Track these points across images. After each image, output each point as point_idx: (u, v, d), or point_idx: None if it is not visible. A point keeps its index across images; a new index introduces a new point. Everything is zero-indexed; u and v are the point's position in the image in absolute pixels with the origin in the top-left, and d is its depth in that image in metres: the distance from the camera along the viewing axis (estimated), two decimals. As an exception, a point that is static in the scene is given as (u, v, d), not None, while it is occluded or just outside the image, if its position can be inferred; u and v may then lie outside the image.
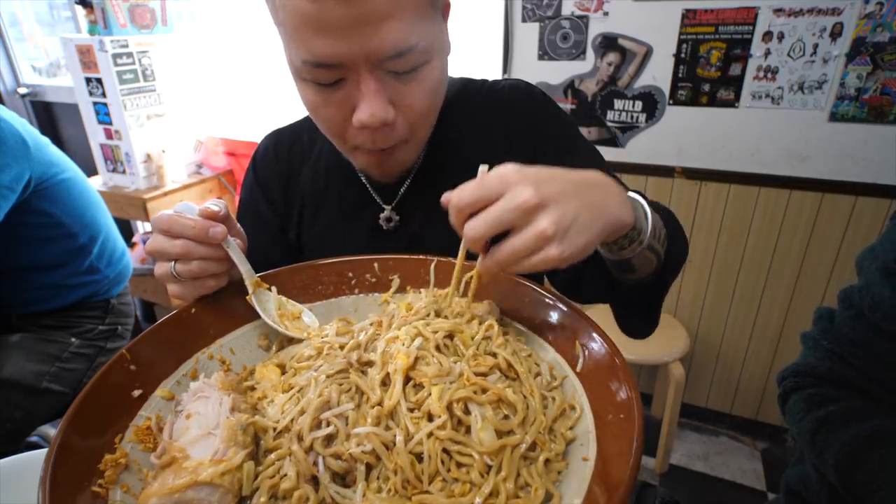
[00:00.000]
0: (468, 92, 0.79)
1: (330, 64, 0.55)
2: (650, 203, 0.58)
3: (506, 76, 1.96)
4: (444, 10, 0.64)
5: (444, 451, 0.44)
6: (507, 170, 0.45)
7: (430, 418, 0.45)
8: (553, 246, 0.43)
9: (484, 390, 0.48)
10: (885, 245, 0.69)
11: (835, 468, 0.66)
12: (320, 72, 0.56)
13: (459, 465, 0.44)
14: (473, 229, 0.45)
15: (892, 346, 0.67)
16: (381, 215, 0.78)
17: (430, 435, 0.44)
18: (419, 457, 0.43)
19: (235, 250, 0.59)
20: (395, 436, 0.44)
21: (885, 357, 0.69)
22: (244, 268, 0.61)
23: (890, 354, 0.68)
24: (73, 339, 1.46)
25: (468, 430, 0.46)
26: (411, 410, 0.46)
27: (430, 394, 0.46)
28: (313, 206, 0.82)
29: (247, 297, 0.61)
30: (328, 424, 0.45)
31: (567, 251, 0.43)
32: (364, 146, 0.64)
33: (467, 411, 0.47)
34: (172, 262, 0.56)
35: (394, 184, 0.76)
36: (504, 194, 0.44)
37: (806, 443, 0.72)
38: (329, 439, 0.45)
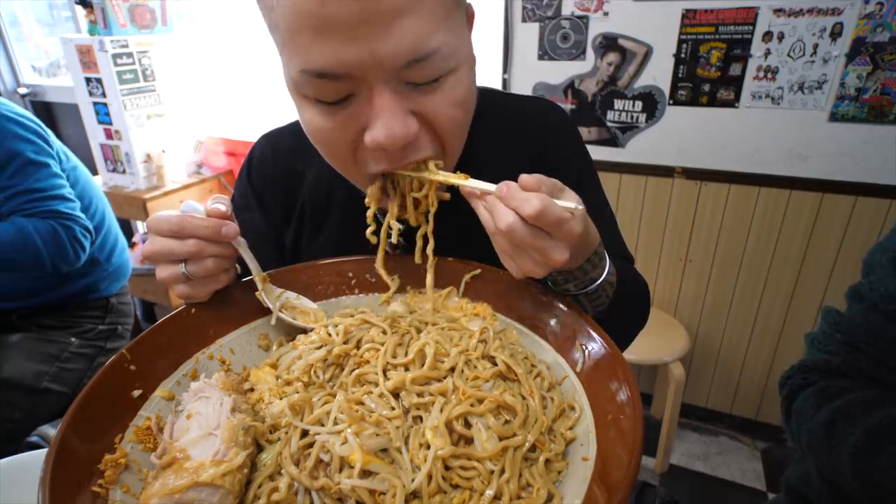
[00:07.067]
0: (491, 105, 0.72)
1: (335, 74, 0.46)
2: (619, 278, 0.61)
3: (505, 76, 1.96)
4: (470, 17, 0.55)
5: (445, 466, 0.44)
6: (576, 219, 0.48)
7: (428, 444, 0.44)
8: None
9: (480, 401, 0.47)
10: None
11: (852, 456, 0.63)
12: (323, 84, 0.47)
13: (461, 474, 0.44)
14: (507, 222, 0.47)
15: None
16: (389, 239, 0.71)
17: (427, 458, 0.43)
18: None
19: (244, 247, 0.59)
20: (386, 484, 0.42)
21: None
22: (253, 264, 0.61)
23: None
24: (73, 339, 1.46)
25: (469, 442, 0.46)
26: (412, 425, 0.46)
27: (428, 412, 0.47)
28: (314, 221, 0.76)
29: (256, 293, 0.61)
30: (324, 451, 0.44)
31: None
32: (380, 168, 0.55)
33: (467, 424, 0.47)
34: (182, 264, 0.55)
35: None
36: (553, 234, 0.47)
37: (818, 439, 0.69)
38: (321, 463, 0.44)
